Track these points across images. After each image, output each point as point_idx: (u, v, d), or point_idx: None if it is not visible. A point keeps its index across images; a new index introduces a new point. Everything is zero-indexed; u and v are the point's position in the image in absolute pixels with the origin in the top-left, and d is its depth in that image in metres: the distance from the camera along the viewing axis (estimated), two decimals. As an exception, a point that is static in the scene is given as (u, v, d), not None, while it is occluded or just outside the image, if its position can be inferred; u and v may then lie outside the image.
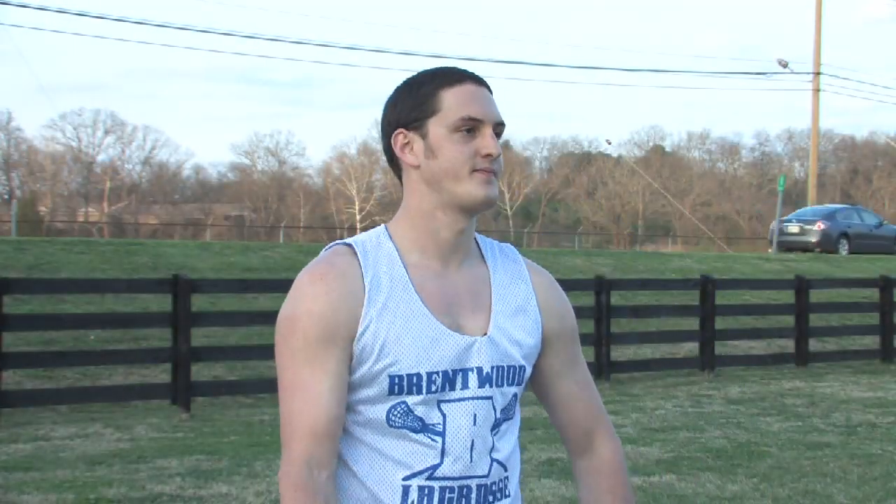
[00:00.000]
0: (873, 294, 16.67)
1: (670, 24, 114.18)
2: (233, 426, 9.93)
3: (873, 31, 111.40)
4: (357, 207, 66.84)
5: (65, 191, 68.03)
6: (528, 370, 2.10)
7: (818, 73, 33.43)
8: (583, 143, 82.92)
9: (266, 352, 12.17)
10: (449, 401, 1.99)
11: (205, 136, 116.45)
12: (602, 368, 13.10)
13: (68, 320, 11.68)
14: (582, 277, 15.62)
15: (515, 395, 2.08)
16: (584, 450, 2.19)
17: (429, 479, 1.97)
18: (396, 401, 1.97)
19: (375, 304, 1.97)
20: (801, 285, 15.42)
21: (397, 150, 2.08)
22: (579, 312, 13.91)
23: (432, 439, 1.97)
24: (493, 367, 2.03)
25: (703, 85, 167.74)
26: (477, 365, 2.01)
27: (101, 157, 69.28)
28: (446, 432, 1.98)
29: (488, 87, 2.08)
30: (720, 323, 14.68)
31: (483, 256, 2.13)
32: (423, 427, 1.97)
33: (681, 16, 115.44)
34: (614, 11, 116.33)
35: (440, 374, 1.98)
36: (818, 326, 15.93)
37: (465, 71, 2.08)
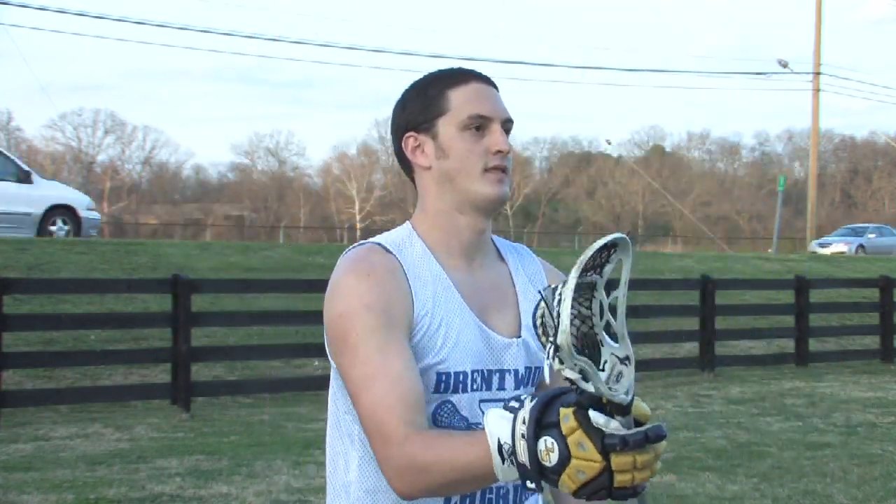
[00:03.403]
0: (873, 294, 16.67)
1: (670, 24, 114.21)
2: (233, 426, 9.93)
3: (873, 31, 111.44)
4: (357, 207, 66.84)
5: (65, 191, 67.94)
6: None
7: (818, 73, 33.45)
8: (583, 143, 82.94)
9: (266, 352, 12.19)
10: (488, 401, 1.99)
11: (205, 136, 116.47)
12: (602, 368, 13.08)
13: (68, 320, 11.67)
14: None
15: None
16: None
17: None
18: (442, 399, 1.97)
19: (424, 302, 1.96)
20: (801, 285, 15.42)
21: (409, 153, 2.08)
22: (579, 312, 13.89)
23: None
24: (526, 369, 2.06)
25: (703, 85, 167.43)
26: (514, 367, 2.04)
27: (101, 157, 69.32)
28: None
29: (495, 86, 2.09)
30: (720, 323, 14.68)
31: (501, 255, 2.14)
32: (468, 426, 1.98)
33: (681, 16, 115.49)
34: (614, 11, 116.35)
35: (480, 373, 1.99)
36: (818, 326, 15.93)
37: (470, 70, 2.09)
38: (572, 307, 1.58)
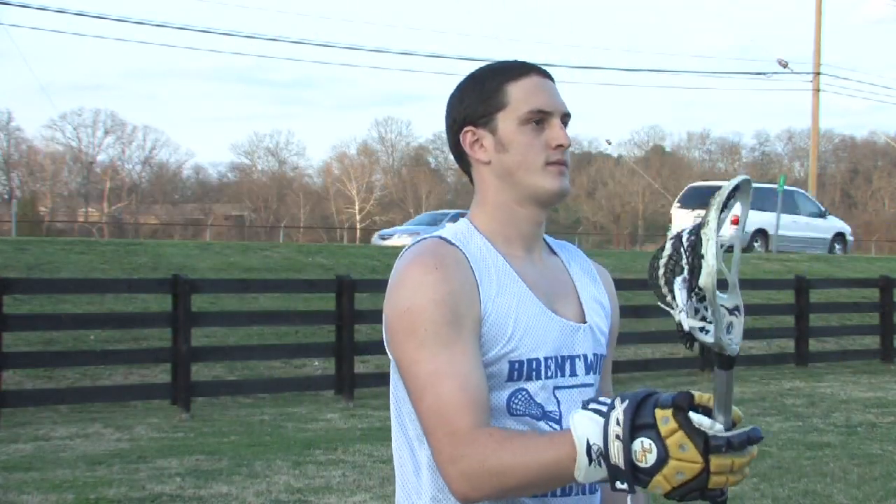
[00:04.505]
0: (873, 294, 16.67)
1: (670, 24, 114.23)
2: (233, 426, 9.94)
3: (873, 31, 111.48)
4: (357, 207, 66.82)
5: (65, 191, 68.07)
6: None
7: (818, 73, 33.44)
8: (583, 143, 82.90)
9: (266, 352, 12.19)
10: (562, 387, 1.99)
11: (205, 136, 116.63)
12: (602, 368, 13.09)
13: (68, 320, 11.67)
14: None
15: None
16: None
17: None
18: (515, 387, 1.95)
19: (490, 292, 1.95)
20: (801, 285, 15.43)
21: (467, 147, 2.06)
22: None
23: (551, 427, 1.96)
24: (593, 355, 2.06)
25: (703, 85, 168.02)
26: (583, 352, 2.04)
27: (101, 157, 69.32)
28: (562, 419, 1.97)
29: (552, 79, 2.08)
30: (720, 323, 14.65)
31: (551, 248, 2.15)
32: (544, 414, 1.96)
33: (681, 16, 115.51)
34: (614, 11, 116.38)
35: (553, 359, 1.99)
36: (818, 326, 15.93)
37: (529, 63, 2.08)
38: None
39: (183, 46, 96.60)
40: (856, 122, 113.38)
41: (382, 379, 12.55)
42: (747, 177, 1.64)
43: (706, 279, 1.58)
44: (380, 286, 14.31)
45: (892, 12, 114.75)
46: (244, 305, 13.92)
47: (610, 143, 64.21)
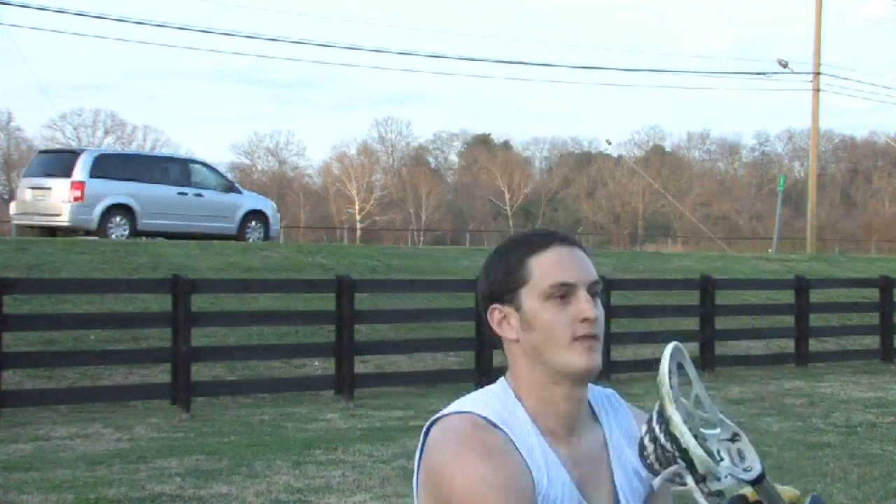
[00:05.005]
0: (873, 294, 16.67)
1: (670, 24, 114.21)
2: (233, 426, 9.94)
3: (873, 31, 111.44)
4: (357, 207, 66.83)
5: (65, 191, 68.01)
6: None
7: (818, 73, 33.42)
8: (583, 143, 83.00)
9: (266, 352, 12.19)
10: None
11: (205, 136, 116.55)
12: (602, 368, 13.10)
13: (68, 320, 11.66)
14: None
15: None
16: None
17: None
18: None
19: (540, 480, 1.93)
20: (801, 285, 15.43)
21: (495, 326, 2.03)
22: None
23: None
24: None
25: (703, 85, 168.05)
26: None
27: (101, 157, 69.20)
28: None
29: (578, 244, 2.04)
30: (720, 323, 14.68)
31: (595, 414, 2.09)
32: None
33: (681, 16, 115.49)
34: (614, 11, 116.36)
35: None
36: (818, 326, 15.93)
37: (552, 233, 2.04)
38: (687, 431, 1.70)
39: (183, 46, 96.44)
40: (856, 122, 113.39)
41: (382, 379, 12.58)
42: (676, 343, 1.77)
43: (703, 466, 1.67)
44: (380, 286, 14.37)
45: (892, 12, 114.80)
46: (244, 305, 13.92)
47: (610, 143, 64.26)
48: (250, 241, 20.76)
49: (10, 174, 66.67)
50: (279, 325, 13.18)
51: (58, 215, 19.45)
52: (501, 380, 2.03)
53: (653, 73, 57.15)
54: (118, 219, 19.68)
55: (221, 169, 28.40)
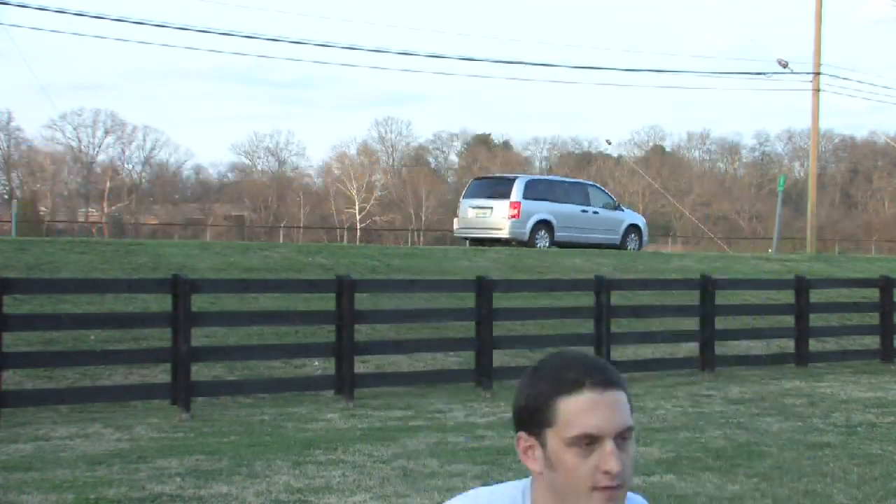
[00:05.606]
0: (873, 294, 16.67)
1: (670, 24, 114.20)
2: (233, 426, 9.93)
3: (873, 31, 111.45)
4: (357, 207, 66.81)
5: (65, 191, 68.10)
6: None
7: (818, 73, 33.41)
8: (583, 143, 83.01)
9: (266, 352, 12.18)
10: None
11: (205, 136, 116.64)
12: (602, 368, 13.08)
13: (68, 320, 11.66)
14: (582, 277, 15.61)
15: None
16: None
17: None
18: None
19: None
20: (801, 285, 15.42)
21: (520, 453, 2.02)
22: (579, 312, 13.91)
23: None
24: None
25: (703, 85, 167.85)
26: None
27: (101, 157, 69.40)
28: None
29: (616, 382, 1.97)
30: (720, 323, 14.67)
31: None
32: None
33: (681, 16, 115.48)
34: (614, 11, 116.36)
35: None
36: (818, 326, 15.92)
37: (587, 370, 1.97)
38: None
39: (183, 46, 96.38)
40: (856, 122, 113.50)
41: (382, 379, 12.57)
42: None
43: None
44: (380, 286, 14.37)
45: (892, 12, 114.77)
46: (244, 305, 13.92)
47: (610, 143, 64.33)
48: (629, 249, 24.61)
49: (10, 174, 66.65)
50: (279, 325, 13.17)
51: (500, 230, 23.60)
52: (520, 484, 2.03)
53: (653, 73, 57.16)
54: (542, 232, 23.75)
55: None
